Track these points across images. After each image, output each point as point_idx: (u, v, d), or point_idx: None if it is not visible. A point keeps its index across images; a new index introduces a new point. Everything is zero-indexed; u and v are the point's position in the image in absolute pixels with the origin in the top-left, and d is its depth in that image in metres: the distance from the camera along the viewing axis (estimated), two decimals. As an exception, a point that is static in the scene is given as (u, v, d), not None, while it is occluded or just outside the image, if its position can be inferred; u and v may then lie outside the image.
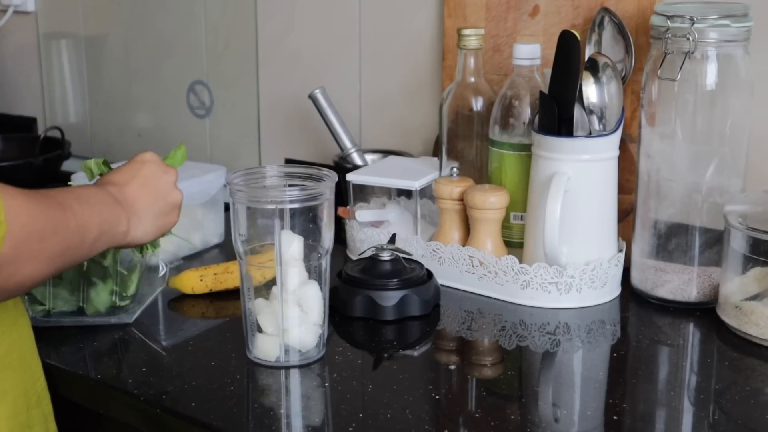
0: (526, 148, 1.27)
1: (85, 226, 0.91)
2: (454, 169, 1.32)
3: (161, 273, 1.26)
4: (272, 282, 1.07)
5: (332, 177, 1.06)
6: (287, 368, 1.07)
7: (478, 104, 1.34)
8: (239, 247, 1.07)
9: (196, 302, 1.27)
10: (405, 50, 1.60)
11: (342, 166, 1.54)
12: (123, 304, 1.20)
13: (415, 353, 1.14)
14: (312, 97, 1.56)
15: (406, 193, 1.41)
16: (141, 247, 1.16)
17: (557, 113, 1.20)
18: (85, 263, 1.18)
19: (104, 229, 0.95)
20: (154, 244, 1.17)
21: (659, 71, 1.18)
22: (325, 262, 1.08)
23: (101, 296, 1.19)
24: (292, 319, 1.06)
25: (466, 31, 1.32)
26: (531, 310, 1.22)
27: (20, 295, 0.95)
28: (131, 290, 1.21)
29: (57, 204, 0.88)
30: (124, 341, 1.15)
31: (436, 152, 1.46)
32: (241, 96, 1.80)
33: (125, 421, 1.04)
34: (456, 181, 1.30)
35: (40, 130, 2.07)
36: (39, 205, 0.85)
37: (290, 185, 1.08)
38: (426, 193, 1.39)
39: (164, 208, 1.05)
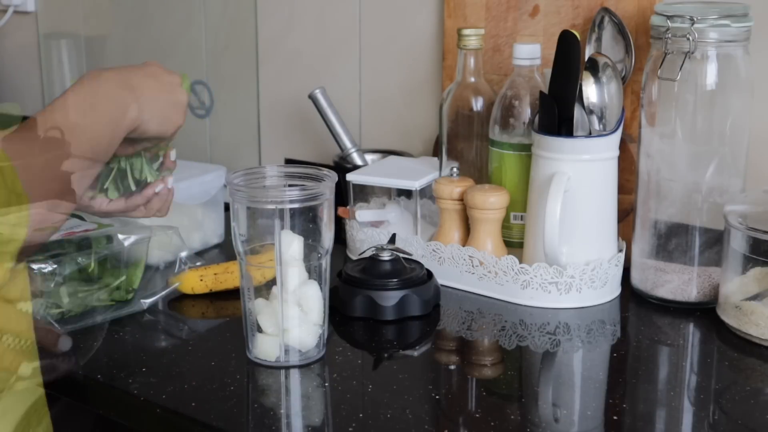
0: (526, 148, 1.27)
1: (95, 138, 0.91)
2: (454, 169, 1.32)
3: (177, 270, 1.31)
4: (272, 282, 1.07)
5: (332, 177, 1.06)
6: (287, 368, 1.07)
7: (478, 104, 1.34)
8: (239, 247, 1.07)
9: (196, 302, 1.27)
10: (405, 50, 1.60)
11: (342, 166, 1.54)
12: (129, 297, 1.24)
13: (415, 353, 1.14)
14: (312, 97, 1.56)
15: (406, 193, 1.41)
16: (141, 165, 1.13)
17: (557, 113, 1.20)
18: (93, 264, 1.19)
19: (113, 127, 0.94)
20: (154, 166, 1.14)
21: (659, 71, 1.18)
22: (325, 262, 1.08)
23: (109, 291, 1.22)
24: (292, 319, 1.06)
25: (466, 31, 1.32)
26: (531, 310, 1.22)
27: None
28: (136, 284, 1.25)
29: (59, 153, 0.87)
30: (124, 341, 1.15)
31: (436, 152, 1.46)
32: (241, 96, 1.80)
33: (125, 421, 1.04)
34: (456, 181, 1.30)
35: (40, 130, 2.07)
36: (42, 183, 0.84)
37: (290, 185, 1.08)
38: (426, 193, 1.39)
39: (170, 101, 1.04)
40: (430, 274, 1.24)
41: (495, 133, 1.31)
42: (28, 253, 0.88)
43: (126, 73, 1.01)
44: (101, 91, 0.96)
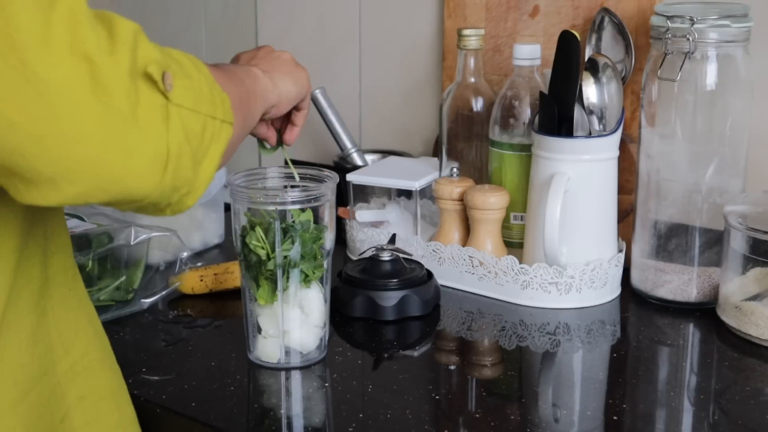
0: (526, 149, 1.27)
1: (254, 93, 0.90)
2: (454, 170, 1.32)
3: (177, 270, 1.31)
4: (272, 282, 1.07)
5: (333, 178, 1.06)
6: (288, 369, 1.07)
7: (478, 104, 1.34)
8: (240, 247, 1.07)
9: (196, 302, 1.27)
10: (405, 50, 1.60)
11: (342, 166, 1.54)
12: (129, 297, 1.24)
13: (415, 353, 1.14)
14: (312, 97, 1.56)
15: (406, 194, 1.41)
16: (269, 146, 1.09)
17: (557, 113, 1.20)
18: (90, 263, 1.20)
19: (252, 94, 0.92)
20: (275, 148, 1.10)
21: (659, 71, 1.18)
22: (327, 264, 1.08)
23: (109, 291, 1.22)
24: (292, 321, 1.06)
25: (466, 32, 1.32)
26: (531, 311, 1.22)
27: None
28: (136, 284, 1.25)
29: (235, 76, 0.86)
30: (124, 341, 1.16)
31: (436, 152, 1.46)
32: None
33: (126, 421, 1.04)
34: (456, 182, 1.30)
35: (40, 130, 2.07)
36: (228, 79, 0.83)
37: (291, 186, 1.08)
38: (426, 193, 1.39)
39: (293, 68, 1.00)
40: (430, 275, 1.24)
41: (495, 133, 1.31)
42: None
43: (241, 62, 0.98)
44: (228, 67, 0.92)
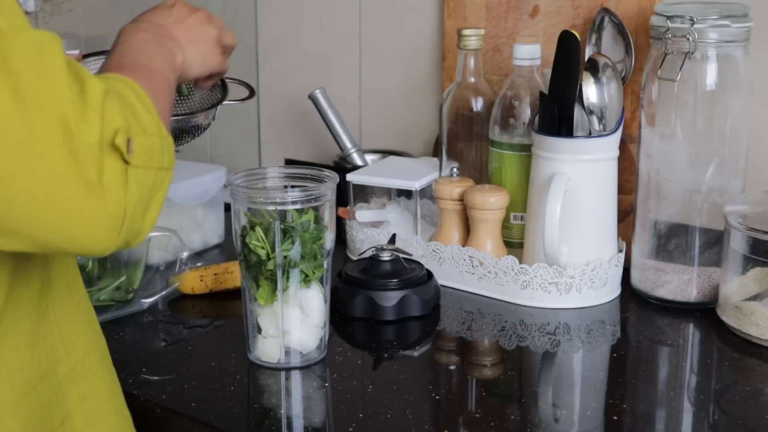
0: (526, 149, 1.27)
1: (167, 77, 0.90)
2: (454, 170, 1.32)
3: (177, 270, 1.31)
4: (272, 282, 1.07)
5: (333, 178, 1.06)
6: (288, 369, 1.07)
7: (478, 104, 1.34)
8: (240, 247, 1.07)
9: (196, 302, 1.27)
10: (405, 50, 1.60)
11: (342, 166, 1.54)
12: (129, 297, 1.24)
13: (415, 353, 1.14)
14: (312, 97, 1.56)
15: (406, 194, 1.41)
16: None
17: (557, 113, 1.20)
18: (90, 263, 1.20)
19: (172, 68, 0.93)
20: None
21: (659, 71, 1.18)
22: (327, 264, 1.08)
23: (109, 291, 1.23)
24: (292, 321, 1.06)
25: (466, 32, 1.32)
26: (531, 311, 1.22)
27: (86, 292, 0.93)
28: (136, 284, 1.26)
29: (149, 73, 0.86)
30: (124, 341, 1.16)
31: (436, 152, 1.46)
32: (241, 96, 1.79)
33: (126, 421, 1.04)
34: (456, 182, 1.30)
35: (40, 130, 2.06)
36: (161, 93, 0.84)
37: (291, 186, 1.08)
38: (426, 193, 1.39)
39: (205, 45, 1.00)
40: (430, 275, 1.24)
41: (495, 133, 1.31)
42: None
43: (158, 22, 0.96)
44: (148, 46, 0.92)
